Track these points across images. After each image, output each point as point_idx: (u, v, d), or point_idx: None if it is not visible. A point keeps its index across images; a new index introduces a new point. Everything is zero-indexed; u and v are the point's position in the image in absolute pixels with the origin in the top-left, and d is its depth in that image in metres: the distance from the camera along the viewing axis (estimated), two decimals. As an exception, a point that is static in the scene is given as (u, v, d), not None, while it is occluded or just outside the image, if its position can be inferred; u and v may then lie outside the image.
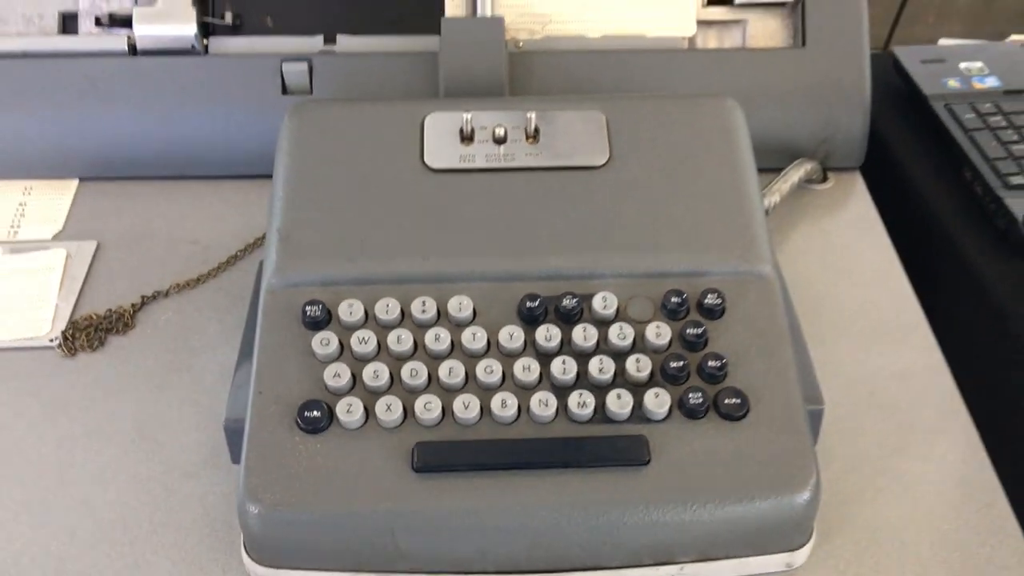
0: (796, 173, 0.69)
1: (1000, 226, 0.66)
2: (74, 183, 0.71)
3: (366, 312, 0.51)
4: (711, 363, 0.49)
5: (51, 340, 0.59)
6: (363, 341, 0.50)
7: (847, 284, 0.64)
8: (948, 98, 0.74)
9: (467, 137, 0.57)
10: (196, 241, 0.67)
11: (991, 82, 0.76)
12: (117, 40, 0.70)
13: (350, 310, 0.51)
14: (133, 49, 0.70)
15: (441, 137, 0.57)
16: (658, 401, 0.48)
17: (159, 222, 0.68)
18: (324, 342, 0.50)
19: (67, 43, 0.70)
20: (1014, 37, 0.83)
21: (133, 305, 0.62)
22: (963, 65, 0.78)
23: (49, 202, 0.69)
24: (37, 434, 0.55)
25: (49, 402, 0.56)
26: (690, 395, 0.48)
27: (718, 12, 0.73)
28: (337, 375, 0.49)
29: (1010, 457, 0.55)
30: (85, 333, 0.60)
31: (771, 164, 0.69)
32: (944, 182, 0.71)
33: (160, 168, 0.70)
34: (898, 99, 0.78)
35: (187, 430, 0.55)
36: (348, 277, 0.52)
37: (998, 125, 0.71)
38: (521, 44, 0.71)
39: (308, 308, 0.51)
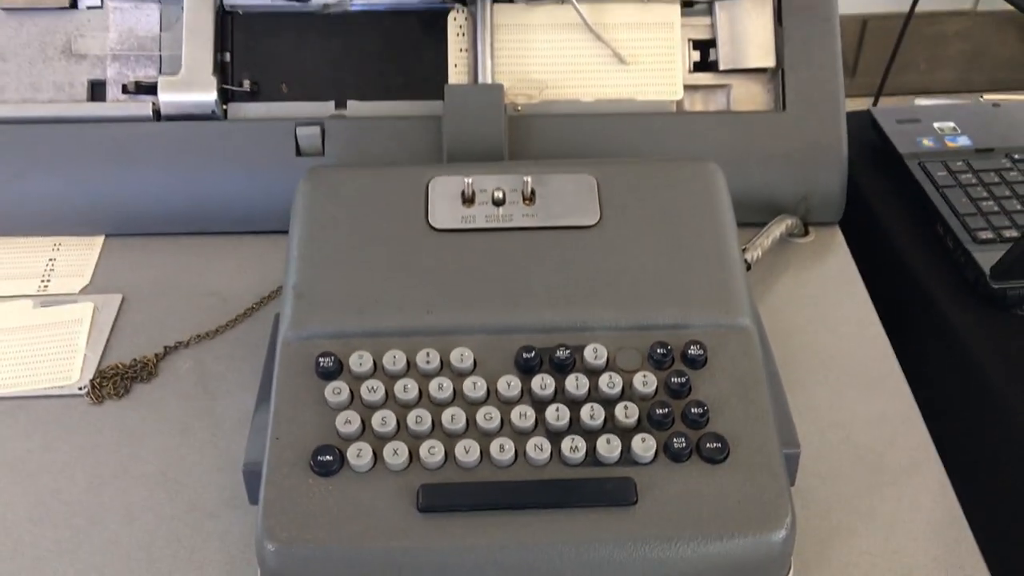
0: (778, 228, 0.74)
1: (970, 278, 0.70)
2: (100, 239, 0.75)
3: (375, 363, 0.55)
4: (694, 410, 0.53)
5: (80, 388, 0.64)
6: (372, 390, 0.54)
7: (825, 332, 0.68)
8: (922, 156, 0.79)
9: (468, 199, 0.61)
10: (215, 293, 0.71)
11: (963, 141, 0.81)
12: (142, 106, 0.75)
13: (360, 361, 0.55)
14: (157, 115, 0.75)
15: (444, 199, 0.61)
16: (645, 445, 0.52)
17: (181, 276, 0.72)
18: (336, 391, 0.54)
19: (96, 109, 0.75)
20: (987, 96, 0.88)
21: (156, 355, 0.66)
22: (937, 125, 0.82)
23: (77, 257, 0.73)
24: (68, 476, 0.59)
25: (79, 446, 0.60)
26: (674, 440, 0.52)
27: (704, 77, 0.78)
28: (348, 422, 0.53)
29: (977, 497, 0.59)
30: (112, 381, 0.64)
31: (755, 219, 0.73)
32: (918, 236, 0.75)
33: (182, 225, 0.75)
34: (875, 156, 0.83)
35: (208, 472, 0.59)
36: (358, 330, 0.56)
37: (968, 183, 0.76)
38: (520, 108, 0.76)
39: (321, 359, 0.55)
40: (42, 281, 0.71)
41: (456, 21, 0.76)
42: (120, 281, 0.72)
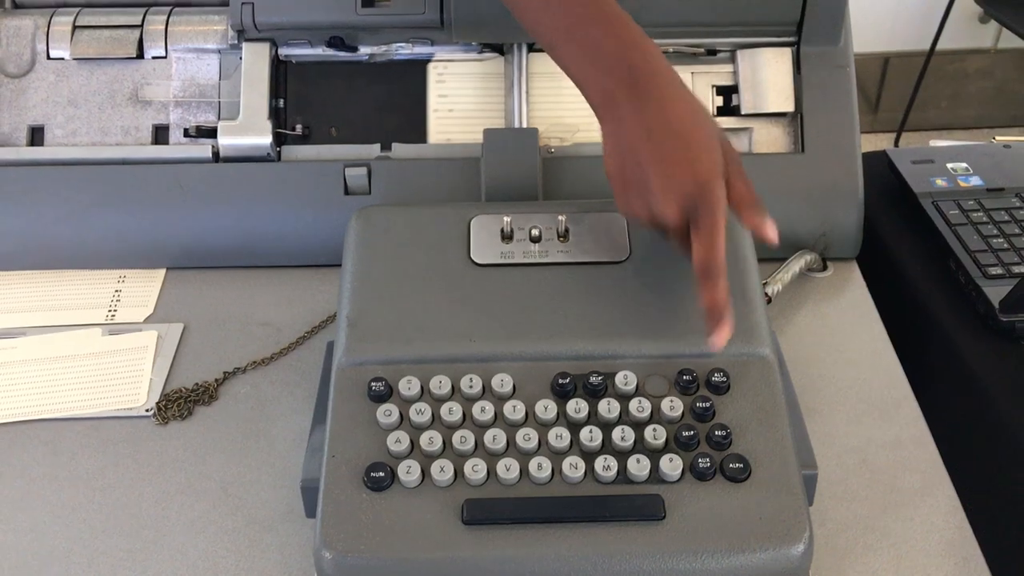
0: (797, 263, 0.78)
1: (980, 312, 0.74)
2: (162, 272, 0.80)
3: (422, 387, 0.60)
4: (718, 432, 0.57)
5: (147, 410, 0.69)
6: (420, 412, 0.58)
7: (842, 362, 0.72)
8: (935, 195, 0.83)
9: (507, 236, 0.66)
10: (269, 323, 0.76)
11: (975, 181, 0.85)
12: (203, 149, 0.80)
13: (408, 385, 0.60)
14: (216, 156, 0.80)
15: (485, 236, 0.66)
16: (672, 465, 0.56)
17: (237, 306, 0.77)
18: (387, 413, 0.58)
19: (159, 152, 0.81)
20: (998, 138, 0.92)
21: (216, 380, 0.71)
22: (950, 165, 0.87)
23: (141, 289, 0.79)
24: (137, 492, 0.63)
25: (146, 464, 0.65)
26: (699, 460, 0.56)
27: (727, 121, 0.83)
28: (398, 441, 0.57)
29: (986, 518, 0.63)
30: (176, 404, 0.69)
31: (774, 255, 0.77)
32: (931, 271, 0.79)
33: (238, 258, 0.80)
34: (891, 195, 0.87)
35: (265, 488, 0.64)
36: (407, 357, 0.61)
37: (980, 221, 0.80)
38: (553, 150, 0.81)
39: (373, 384, 0.60)
40: (109, 311, 0.77)
41: (435, 70, 0.81)
42: (181, 311, 0.77)
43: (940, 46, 2.07)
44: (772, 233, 0.60)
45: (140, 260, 0.80)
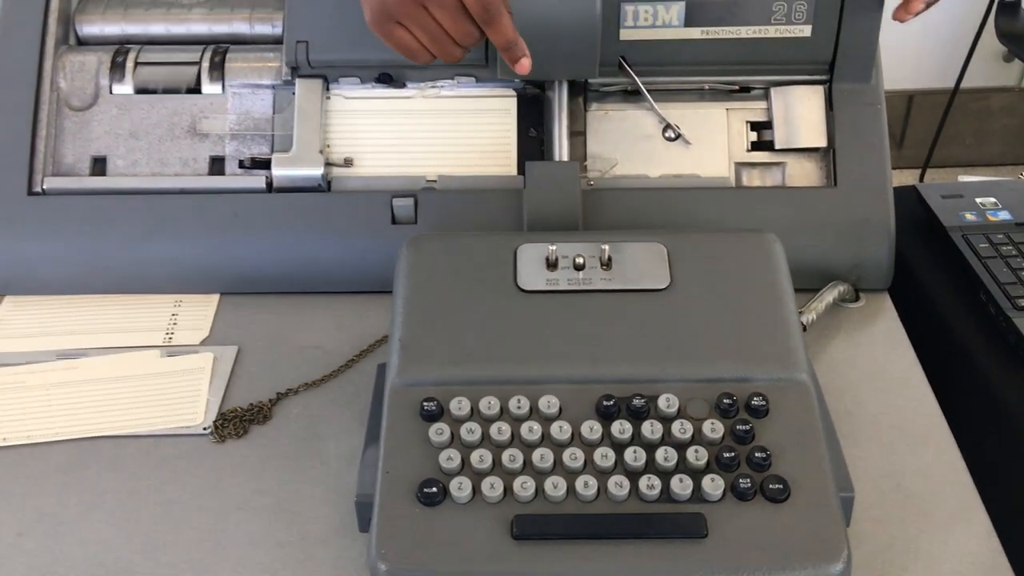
0: (831, 294, 0.80)
1: (1011, 342, 0.76)
2: (216, 297, 0.84)
3: (472, 408, 0.62)
4: (758, 454, 0.59)
5: (204, 429, 0.72)
6: (470, 431, 0.61)
7: (876, 390, 0.74)
8: (965, 229, 0.85)
9: (552, 264, 0.69)
10: (319, 347, 0.79)
11: (1003, 215, 0.87)
12: (257, 179, 0.84)
13: (459, 406, 0.62)
14: (270, 186, 0.84)
15: (531, 264, 0.69)
16: (714, 485, 0.58)
17: (288, 330, 0.80)
18: (439, 432, 0.61)
19: (215, 182, 0.84)
20: (1027, 174, 0.94)
21: (270, 400, 0.74)
22: (979, 200, 0.89)
23: (196, 313, 0.82)
24: (197, 506, 0.66)
25: (205, 480, 0.68)
26: (740, 481, 0.58)
27: (761, 155, 0.85)
28: (450, 459, 0.60)
29: (1020, 542, 0.64)
30: (232, 423, 0.72)
31: (809, 285, 0.80)
32: (962, 303, 0.81)
33: (289, 284, 0.83)
34: (921, 229, 0.89)
35: (318, 504, 0.66)
36: (457, 379, 0.63)
37: (1009, 254, 0.82)
38: (592, 183, 0.84)
39: (425, 404, 0.62)
40: (167, 334, 0.80)
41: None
42: (235, 334, 0.80)
43: (964, 84, 2.09)
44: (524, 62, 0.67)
45: (196, 285, 0.84)
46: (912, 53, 2.21)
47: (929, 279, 0.85)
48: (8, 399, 0.74)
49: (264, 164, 0.85)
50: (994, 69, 2.25)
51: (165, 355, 0.78)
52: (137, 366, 0.77)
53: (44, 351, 0.78)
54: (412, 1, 0.64)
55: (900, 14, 0.75)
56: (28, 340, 0.79)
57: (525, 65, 0.67)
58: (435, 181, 0.84)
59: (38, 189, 0.84)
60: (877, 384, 0.75)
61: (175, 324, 0.81)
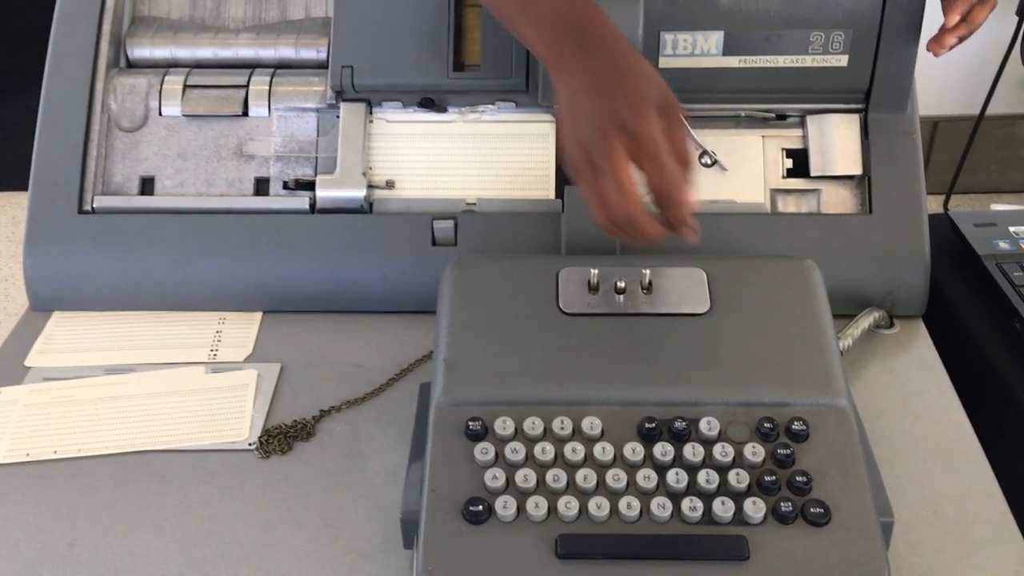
0: (866, 320, 0.81)
1: (1046, 370, 0.76)
2: (259, 315, 0.85)
3: (516, 428, 0.63)
4: (798, 478, 0.60)
5: (249, 444, 0.73)
6: (515, 451, 0.62)
7: (911, 416, 0.75)
8: (999, 258, 0.86)
9: (594, 288, 0.70)
10: (360, 365, 0.80)
11: (1037, 244, 0.87)
12: (300, 200, 0.86)
13: (504, 425, 0.63)
14: (313, 207, 0.86)
15: (573, 287, 0.70)
16: (755, 508, 0.59)
17: (330, 349, 0.82)
18: (483, 451, 0.62)
19: (260, 203, 0.86)
20: (1058, 202, 0.95)
21: (313, 417, 0.75)
22: (1012, 228, 0.90)
23: (240, 330, 0.84)
24: (243, 520, 0.67)
25: (251, 494, 0.69)
26: (781, 504, 0.59)
27: (797, 183, 0.86)
28: (495, 477, 0.61)
29: (1057, 570, 0.65)
30: (276, 439, 0.73)
31: (844, 311, 0.81)
32: (996, 330, 0.82)
33: (331, 303, 0.85)
34: (956, 257, 0.90)
35: (362, 520, 0.67)
36: (501, 399, 0.65)
37: (1043, 282, 0.83)
38: (630, 207, 0.85)
39: (470, 423, 0.63)
40: (211, 350, 0.82)
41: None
42: (278, 352, 0.82)
43: (990, 111, 2.09)
44: (691, 234, 0.65)
45: (239, 303, 0.85)
46: (938, 80, 2.22)
47: (963, 306, 0.85)
48: (58, 413, 0.76)
49: (308, 185, 0.86)
50: (1019, 96, 2.25)
51: (210, 371, 0.79)
52: (183, 382, 0.78)
53: (92, 366, 0.80)
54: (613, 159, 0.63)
55: (934, 47, 0.77)
56: (77, 355, 0.81)
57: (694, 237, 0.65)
58: (475, 204, 0.86)
59: (88, 207, 0.86)
60: (912, 410, 0.76)
61: (219, 341, 0.82)
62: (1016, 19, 1.96)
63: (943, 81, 2.23)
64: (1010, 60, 2.00)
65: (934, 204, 2.31)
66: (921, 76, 0.82)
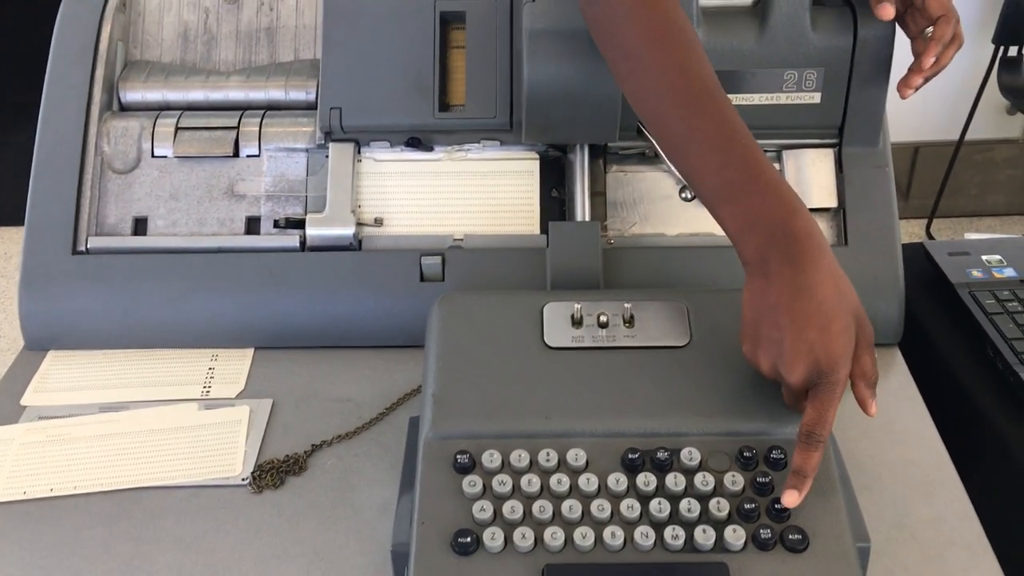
0: (843, 349, 0.83)
1: (1017, 394, 0.78)
2: (251, 351, 0.87)
3: (503, 460, 0.65)
4: (777, 505, 0.62)
5: (242, 479, 0.74)
6: (502, 483, 0.64)
7: (889, 442, 0.77)
8: (972, 286, 0.89)
9: (577, 322, 0.72)
10: (350, 399, 0.82)
11: (1009, 272, 0.90)
12: (291, 239, 0.88)
13: (491, 458, 0.65)
14: (303, 245, 0.88)
15: (557, 322, 0.72)
16: (736, 535, 0.61)
17: (321, 384, 0.84)
18: (471, 483, 0.64)
19: (251, 241, 0.88)
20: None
21: (305, 452, 0.77)
22: (985, 257, 0.92)
23: (232, 367, 0.85)
24: (237, 555, 0.69)
25: (244, 529, 0.71)
26: (761, 531, 0.61)
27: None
28: (483, 509, 0.62)
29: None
30: (269, 474, 0.74)
31: (822, 341, 0.83)
32: (970, 357, 0.84)
33: (322, 339, 0.87)
34: (930, 285, 0.92)
35: (354, 553, 0.69)
36: (488, 432, 0.66)
37: (1015, 310, 0.85)
38: (612, 242, 0.88)
39: (458, 456, 0.65)
40: (204, 387, 0.83)
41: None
42: (270, 388, 0.83)
43: (969, 136, 2.14)
44: (872, 410, 0.65)
45: (231, 340, 0.87)
46: (918, 106, 2.25)
47: (938, 334, 0.88)
48: (54, 451, 0.77)
49: (298, 224, 0.88)
50: (998, 122, 2.29)
51: (203, 408, 0.81)
52: (177, 419, 0.80)
53: (87, 404, 0.82)
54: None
55: (902, 88, 0.80)
56: (72, 393, 0.83)
57: (794, 500, 0.61)
58: (462, 240, 0.88)
59: (82, 248, 0.88)
60: (889, 436, 0.78)
61: (212, 378, 0.84)
62: (992, 47, 2.00)
63: (923, 107, 2.27)
64: (988, 86, 2.04)
65: (917, 228, 2.35)
66: (901, 103, 0.85)
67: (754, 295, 0.65)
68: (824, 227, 0.88)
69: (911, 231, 2.34)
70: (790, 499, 0.61)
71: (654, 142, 0.71)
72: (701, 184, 0.68)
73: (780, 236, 0.63)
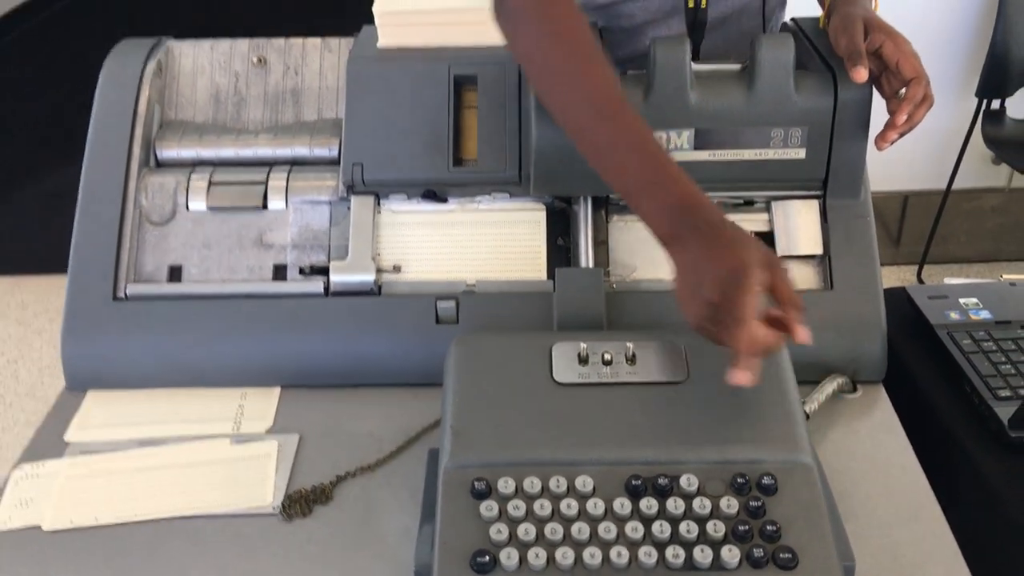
0: (831, 385, 0.89)
1: (992, 428, 0.84)
2: (277, 390, 0.93)
3: (517, 486, 0.71)
4: (769, 527, 0.68)
5: (273, 508, 0.80)
6: (516, 508, 0.70)
7: (873, 472, 0.83)
8: (950, 327, 0.95)
9: (584, 360, 0.78)
10: (371, 434, 0.88)
11: (984, 315, 0.96)
12: (315, 284, 0.94)
13: (506, 485, 0.71)
14: (327, 291, 0.94)
15: (565, 360, 0.78)
16: (731, 554, 0.66)
17: (344, 420, 0.89)
18: (488, 508, 0.70)
19: (278, 287, 0.95)
20: (1005, 276, 1.04)
21: (331, 482, 0.82)
22: (962, 300, 0.99)
23: (261, 404, 0.91)
24: (271, 577, 0.75)
25: (276, 555, 0.76)
26: (754, 550, 0.67)
27: (765, 261, 0.95)
28: (499, 531, 0.68)
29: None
30: (298, 504, 0.80)
31: (810, 378, 0.89)
32: (949, 394, 0.90)
33: (344, 378, 0.93)
34: (912, 327, 0.99)
35: (379, 575, 0.74)
36: (503, 461, 0.72)
37: (990, 349, 0.91)
38: (615, 286, 0.94)
39: (475, 483, 0.71)
40: (235, 423, 0.89)
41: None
42: (297, 423, 0.89)
43: (956, 185, 2.21)
44: (803, 333, 0.73)
45: (259, 379, 0.93)
46: (907, 156, 2.34)
47: (919, 372, 0.94)
48: (97, 484, 0.83)
49: (322, 271, 0.95)
50: (983, 171, 2.37)
51: (235, 443, 0.87)
52: (210, 453, 0.86)
53: (126, 440, 0.87)
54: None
55: (878, 142, 0.87)
56: (111, 429, 0.89)
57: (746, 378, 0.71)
58: (474, 285, 0.94)
59: (121, 294, 0.94)
60: (874, 467, 0.83)
61: (242, 415, 0.90)
62: (976, 100, 2.09)
63: (912, 157, 2.35)
64: (973, 136, 2.12)
65: (908, 273, 2.42)
66: (891, 153, 0.91)
67: (676, 262, 0.75)
68: (811, 272, 0.95)
69: (903, 277, 2.41)
70: (741, 378, 0.70)
71: (574, 142, 0.82)
72: (621, 181, 0.80)
73: (688, 212, 0.76)
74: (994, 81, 2.04)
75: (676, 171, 0.78)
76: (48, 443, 0.88)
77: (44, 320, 2.27)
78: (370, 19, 1.00)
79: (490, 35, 0.97)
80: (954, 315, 0.97)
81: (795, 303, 0.73)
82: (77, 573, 0.75)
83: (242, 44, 1.05)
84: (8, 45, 3.29)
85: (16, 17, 3.40)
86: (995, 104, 2.09)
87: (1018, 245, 2.46)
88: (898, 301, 1.00)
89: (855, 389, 0.92)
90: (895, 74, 0.87)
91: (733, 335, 0.70)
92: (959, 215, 2.41)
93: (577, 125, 0.82)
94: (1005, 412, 0.84)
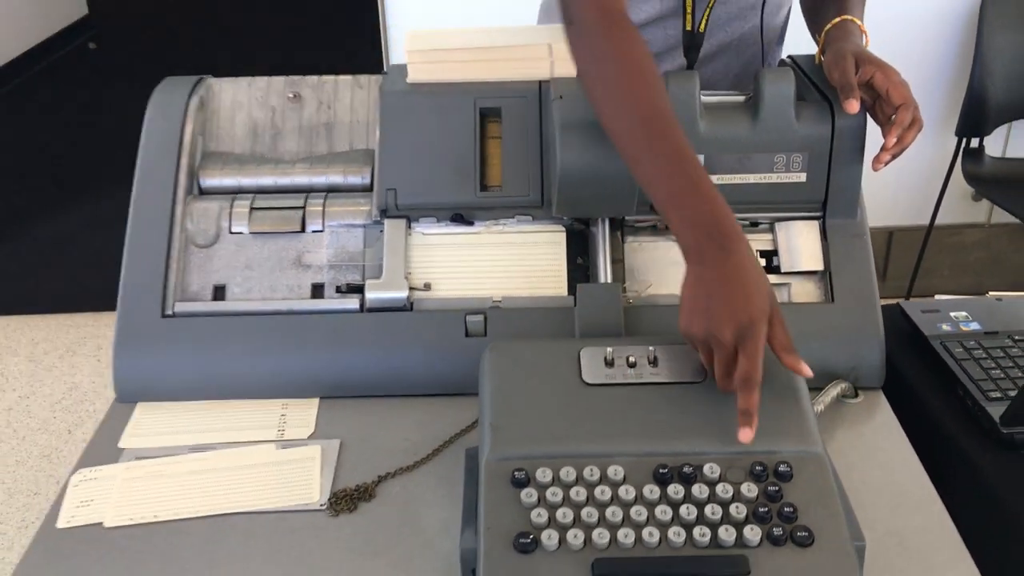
0: (834, 391, 0.96)
1: (985, 427, 0.91)
2: (316, 401, 0.99)
3: (554, 476, 0.77)
4: (786, 509, 0.74)
5: (320, 505, 0.86)
6: (554, 494, 0.76)
7: (876, 468, 0.89)
8: (943, 338, 1.02)
9: (610, 363, 0.85)
10: (407, 439, 0.94)
11: (974, 326, 1.04)
12: (351, 302, 1.01)
13: (543, 474, 0.77)
14: (362, 307, 1.01)
15: (592, 363, 0.85)
16: (753, 532, 0.73)
17: (380, 427, 0.95)
18: (528, 495, 0.76)
19: (316, 304, 1.01)
20: (991, 293, 1.12)
21: (373, 482, 0.88)
22: (953, 314, 1.06)
23: (302, 414, 0.97)
24: (323, 567, 0.80)
25: (325, 547, 0.82)
26: (774, 530, 0.73)
27: (770, 278, 1.01)
28: (539, 515, 0.74)
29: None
30: (343, 500, 0.86)
31: (814, 385, 0.95)
32: (943, 397, 0.97)
33: (379, 389, 0.99)
34: (908, 338, 1.06)
35: (422, 563, 0.80)
36: (540, 454, 0.78)
37: (980, 356, 0.98)
38: (631, 301, 1.01)
39: (515, 473, 0.77)
40: (278, 430, 0.95)
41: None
42: (337, 431, 0.95)
43: (939, 221, 2.30)
44: (806, 369, 0.80)
45: (299, 391, 0.99)
46: (890, 193, 2.44)
47: (916, 380, 1.01)
48: (153, 484, 0.88)
49: (357, 289, 1.01)
50: (965, 208, 2.47)
51: (280, 447, 0.92)
52: (258, 456, 0.91)
53: (177, 446, 0.93)
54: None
55: (874, 164, 0.95)
56: (163, 437, 0.94)
57: (748, 436, 0.77)
58: (500, 301, 1.01)
59: (169, 312, 1.00)
60: (877, 463, 0.90)
61: (285, 423, 0.96)
62: (956, 139, 2.19)
63: (895, 194, 2.45)
64: (954, 173, 2.22)
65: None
66: (875, 190, 0.99)
67: (692, 277, 0.81)
68: (813, 287, 1.02)
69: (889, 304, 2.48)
70: (745, 436, 0.76)
71: (619, 152, 0.89)
72: (655, 189, 0.85)
73: (715, 232, 0.81)
74: (972, 120, 2.14)
75: (709, 190, 0.83)
76: (103, 450, 0.93)
77: (54, 357, 2.31)
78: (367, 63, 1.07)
79: (511, 71, 1.06)
80: (946, 327, 1.04)
81: (789, 349, 0.80)
82: (139, 564, 0.80)
83: (278, 81, 1.13)
84: (16, 90, 3.37)
85: (19, 64, 3.49)
86: (974, 142, 2.19)
87: (999, 278, 2.56)
88: (894, 316, 1.07)
89: (856, 395, 0.99)
90: (887, 102, 0.95)
91: (745, 394, 0.76)
92: (942, 250, 2.50)
93: (623, 134, 0.87)
94: (996, 411, 0.90)
